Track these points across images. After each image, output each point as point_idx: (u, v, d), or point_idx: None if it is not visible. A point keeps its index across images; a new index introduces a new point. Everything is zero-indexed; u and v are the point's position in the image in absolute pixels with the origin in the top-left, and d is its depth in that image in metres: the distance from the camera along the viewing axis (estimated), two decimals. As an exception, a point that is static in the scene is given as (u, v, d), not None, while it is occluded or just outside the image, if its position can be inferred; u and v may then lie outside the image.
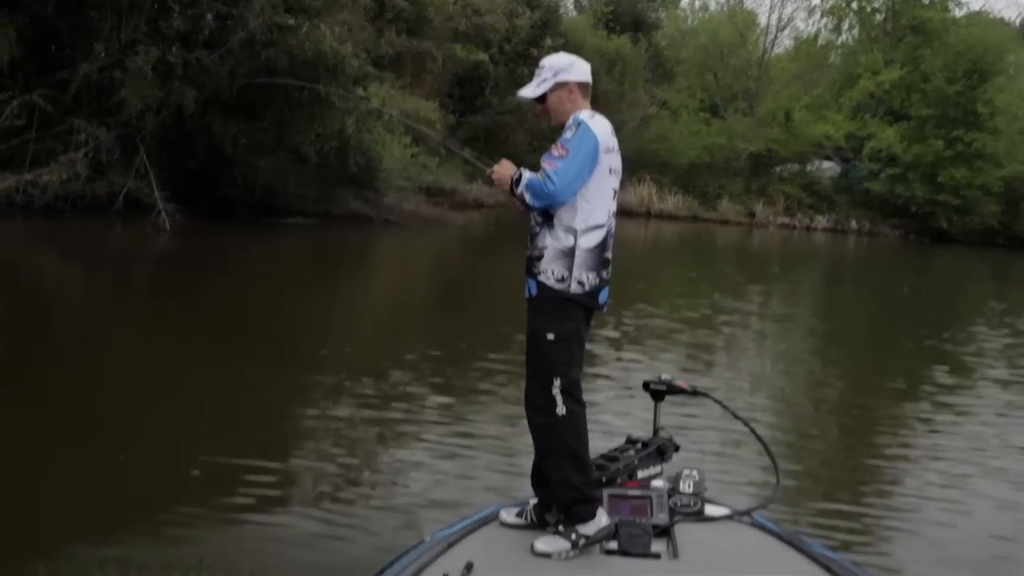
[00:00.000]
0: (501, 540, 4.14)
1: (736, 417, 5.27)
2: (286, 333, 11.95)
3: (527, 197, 4.10)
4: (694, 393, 5.10)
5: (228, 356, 10.12)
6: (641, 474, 4.71)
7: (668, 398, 5.07)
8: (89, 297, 13.93)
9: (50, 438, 7.09)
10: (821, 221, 41.38)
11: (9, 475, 6.26)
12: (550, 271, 4.11)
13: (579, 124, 4.11)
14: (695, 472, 4.72)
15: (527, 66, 32.76)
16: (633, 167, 38.41)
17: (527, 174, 4.13)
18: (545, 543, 4.03)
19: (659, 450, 4.87)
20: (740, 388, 10.56)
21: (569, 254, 4.10)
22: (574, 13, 48.65)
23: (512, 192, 4.17)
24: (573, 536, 4.02)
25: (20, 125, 19.08)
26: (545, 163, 4.08)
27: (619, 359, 11.30)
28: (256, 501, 6.15)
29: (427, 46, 30.86)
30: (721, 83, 47.55)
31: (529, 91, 4.29)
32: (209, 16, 20.35)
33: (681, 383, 5.05)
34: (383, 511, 6.15)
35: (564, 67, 4.26)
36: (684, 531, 4.30)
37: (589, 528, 4.06)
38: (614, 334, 12.57)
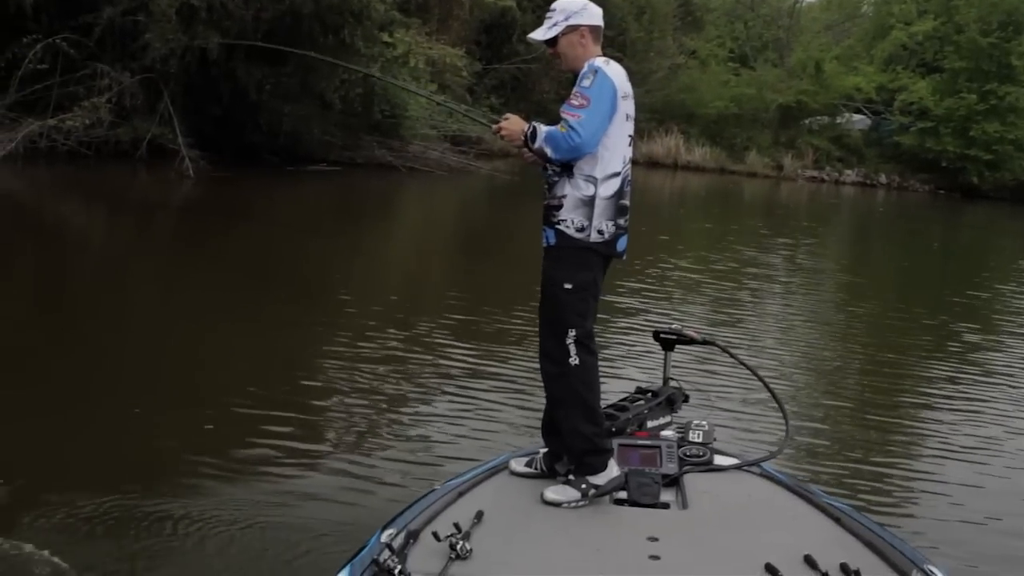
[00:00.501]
0: (511, 489, 4.13)
1: (745, 366, 5.35)
2: (309, 281, 11.89)
3: (547, 151, 4.03)
4: (703, 342, 5.14)
5: (249, 303, 10.13)
6: (651, 424, 4.78)
7: (679, 348, 5.12)
8: (111, 243, 13.96)
9: (70, 386, 7.07)
10: (850, 175, 40.85)
11: (26, 425, 6.23)
12: (570, 220, 4.06)
13: (596, 71, 4.03)
14: (704, 422, 4.76)
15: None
16: (660, 117, 38.22)
17: (543, 128, 4.05)
18: (555, 492, 4.01)
19: (668, 400, 4.94)
20: (762, 342, 10.46)
21: (589, 203, 4.06)
22: (603, -40, 47.94)
23: (527, 146, 4.09)
24: (583, 486, 4.01)
25: (43, 69, 18.97)
26: (567, 114, 3.99)
27: (638, 310, 11.22)
28: (274, 452, 6.11)
29: (453, -11, 30.59)
30: (751, 32, 47.06)
31: (540, 34, 4.22)
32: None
33: (691, 332, 5.10)
34: (401, 463, 6.10)
35: (576, 10, 4.18)
36: (693, 481, 4.32)
37: (600, 478, 4.05)
38: (635, 284, 12.48)
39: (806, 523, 4.02)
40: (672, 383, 5.10)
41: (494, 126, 4.24)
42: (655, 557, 3.61)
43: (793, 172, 39.86)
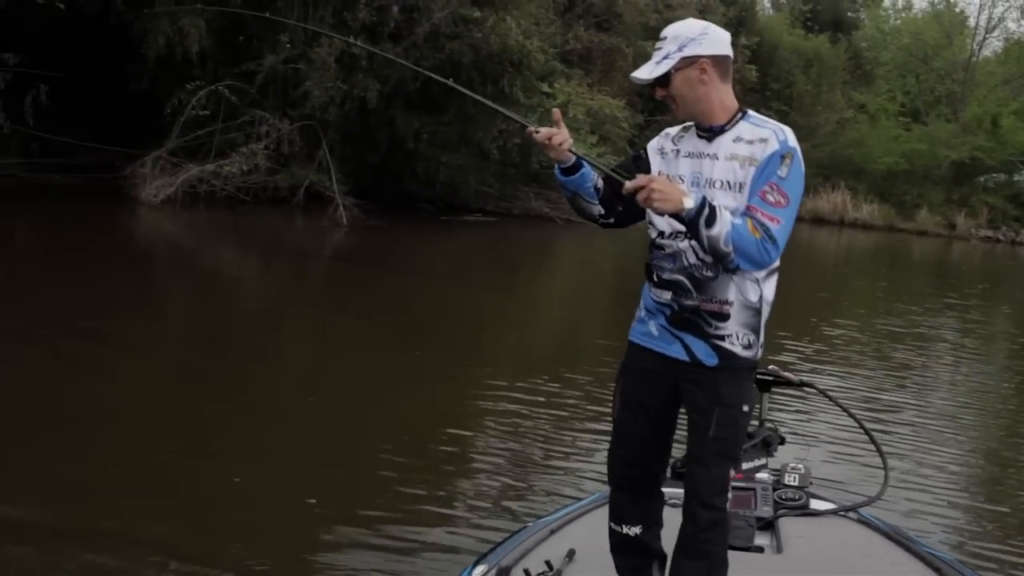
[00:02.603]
0: (604, 528, 3.71)
1: (844, 410, 5.28)
2: (461, 335, 11.48)
3: (724, 249, 3.00)
4: (800, 384, 5.08)
5: (395, 356, 9.69)
6: (746, 466, 4.61)
7: (775, 390, 5.05)
8: (262, 291, 13.81)
9: (215, 433, 6.94)
10: (1028, 235, 38.93)
11: (173, 467, 6.04)
12: (736, 335, 3.18)
13: (793, 154, 3.09)
14: (801, 466, 4.70)
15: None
16: (827, 173, 37.12)
17: (727, 216, 3.00)
18: None
19: (764, 442, 4.85)
20: (920, 408, 9.70)
21: (757, 312, 3.21)
22: (771, 11, 47.12)
23: (684, 222, 3.04)
24: None
25: (206, 116, 19.27)
26: (765, 216, 3.03)
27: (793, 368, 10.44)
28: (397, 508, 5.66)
29: (616, 42, 30.08)
30: (923, 86, 45.47)
31: (646, 71, 3.19)
32: (395, 8, 20.08)
33: (787, 374, 4.99)
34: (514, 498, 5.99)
35: (693, 36, 3.16)
36: (788, 525, 4.26)
37: None
38: (798, 344, 11.83)
39: (905, 572, 3.93)
40: (768, 425, 4.98)
41: (635, 180, 3.03)
42: None
43: (966, 231, 38.11)
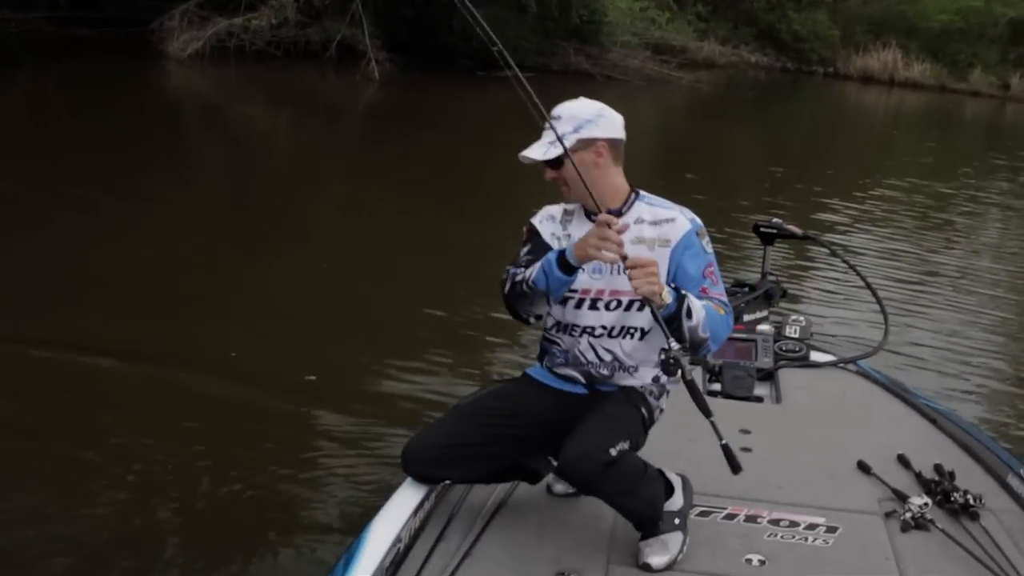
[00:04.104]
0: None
1: (848, 264, 5.44)
2: (495, 195, 11.09)
3: (704, 337, 2.88)
4: (804, 237, 5.10)
5: (427, 218, 9.50)
6: (747, 317, 4.71)
7: (779, 243, 5.13)
8: (291, 146, 13.62)
9: (255, 295, 6.83)
10: (1086, 97, 37.69)
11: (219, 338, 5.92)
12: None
13: (704, 230, 3.05)
14: (802, 318, 4.85)
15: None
16: (878, 30, 36.15)
17: (697, 302, 2.88)
18: (660, 555, 2.97)
19: (766, 294, 4.88)
20: (956, 270, 9.56)
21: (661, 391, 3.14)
22: None
23: (659, 315, 2.79)
24: (676, 521, 3.05)
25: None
26: (718, 295, 2.98)
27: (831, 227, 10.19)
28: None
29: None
30: (982, -62, 43.77)
31: (537, 152, 3.02)
32: None
33: (792, 227, 5.00)
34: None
35: (588, 118, 3.04)
36: (788, 376, 4.40)
37: (675, 500, 3.10)
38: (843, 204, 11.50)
39: (901, 423, 4.03)
40: (771, 277, 5.01)
41: (641, 257, 2.84)
42: (747, 449, 3.59)
43: (1021, 92, 36.92)
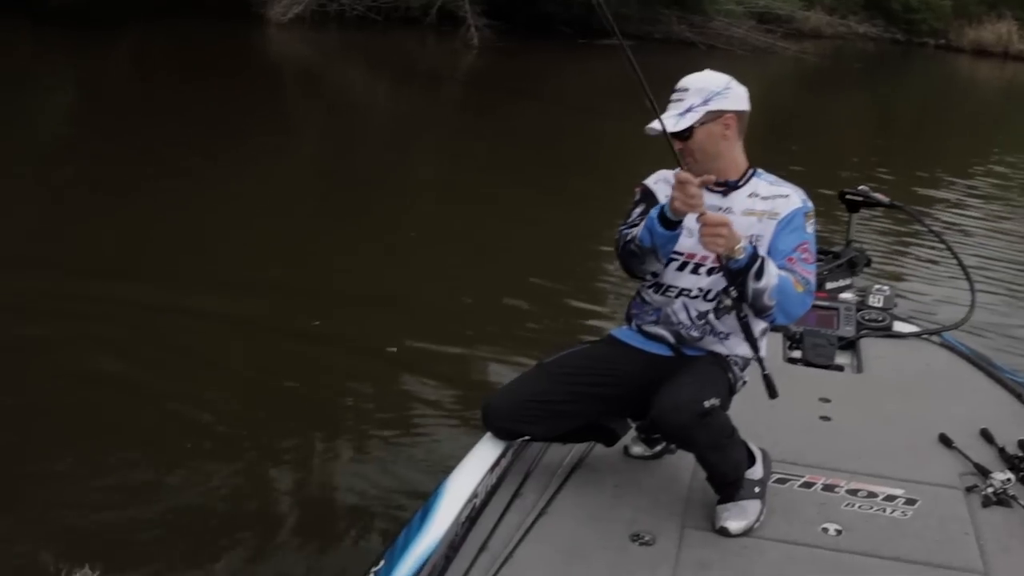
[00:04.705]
0: None
1: (934, 233, 5.38)
2: (596, 165, 10.94)
3: (769, 304, 2.85)
4: (891, 205, 4.95)
5: (523, 188, 9.40)
6: (830, 285, 4.64)
7: (864, 211, 5.01)
8: (393, 111, 13.59)
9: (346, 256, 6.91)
10: None
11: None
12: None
13: (813, 214, 3.03)
14: (886, 287, 4.76)
15: None
16: (992, 1, 34.88)
17: (773, 268, 2.84)
18: (738, 520, 2.93)
19: (850, 262, 4.80)
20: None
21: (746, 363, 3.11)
22: None
23: (728, 270, 2.82)
24: (756, 490, 3.01)
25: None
26: (805, 271, 2.94)
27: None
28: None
29: None
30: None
31: (670, 122, 2.92)
32: None
33: (878, 195, 4.87)
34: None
35: (717, 90, 2.99)
36: (870, 346, 4.32)
37: (756, 470, 3.07)
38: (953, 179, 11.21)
39: (985, 396, 3.90)
40: (855, 245, 4.93)
41: (716, 214, 2.82)
42: (826, 418, 3.57)
43: None
